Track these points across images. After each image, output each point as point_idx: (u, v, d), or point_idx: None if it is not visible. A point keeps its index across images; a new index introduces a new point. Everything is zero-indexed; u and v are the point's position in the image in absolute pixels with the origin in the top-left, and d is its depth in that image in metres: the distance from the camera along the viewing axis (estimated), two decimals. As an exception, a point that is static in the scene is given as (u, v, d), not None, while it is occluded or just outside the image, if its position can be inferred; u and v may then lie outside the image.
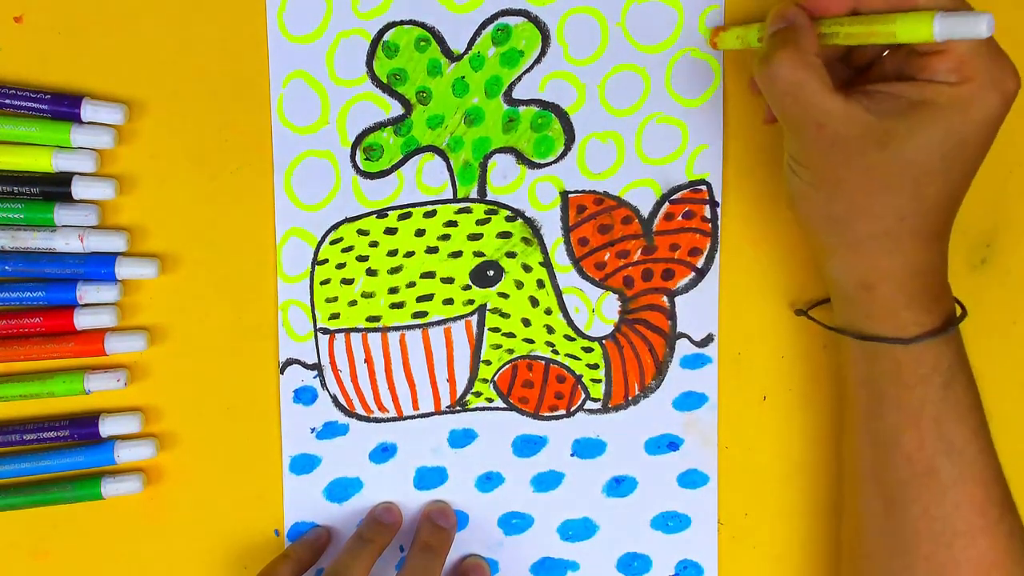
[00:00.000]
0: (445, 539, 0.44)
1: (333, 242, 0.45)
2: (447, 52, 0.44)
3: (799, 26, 0.37)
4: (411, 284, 0.45)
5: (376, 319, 0.45)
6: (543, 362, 0.45)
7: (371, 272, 0.45)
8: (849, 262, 0.39)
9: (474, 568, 0.45)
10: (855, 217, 0.38)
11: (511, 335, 0.45)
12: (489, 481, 0.46)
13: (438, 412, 0.46)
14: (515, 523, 0.46)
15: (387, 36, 0.44)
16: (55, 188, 0.43)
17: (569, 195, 0.45)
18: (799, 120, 0.37)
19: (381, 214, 0.45)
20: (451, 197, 0.45)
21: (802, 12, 0.38)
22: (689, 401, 0.45)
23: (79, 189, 0.43)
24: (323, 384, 0.45)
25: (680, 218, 0.45)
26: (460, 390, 0.45)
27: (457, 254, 0.45)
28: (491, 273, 0.45)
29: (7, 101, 0.43)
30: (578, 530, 0.46)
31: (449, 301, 0.45)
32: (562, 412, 0.46)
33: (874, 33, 0.37)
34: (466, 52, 0.44)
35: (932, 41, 0.35)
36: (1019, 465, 0.46)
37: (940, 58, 0.36)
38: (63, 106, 0.43)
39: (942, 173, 0.37)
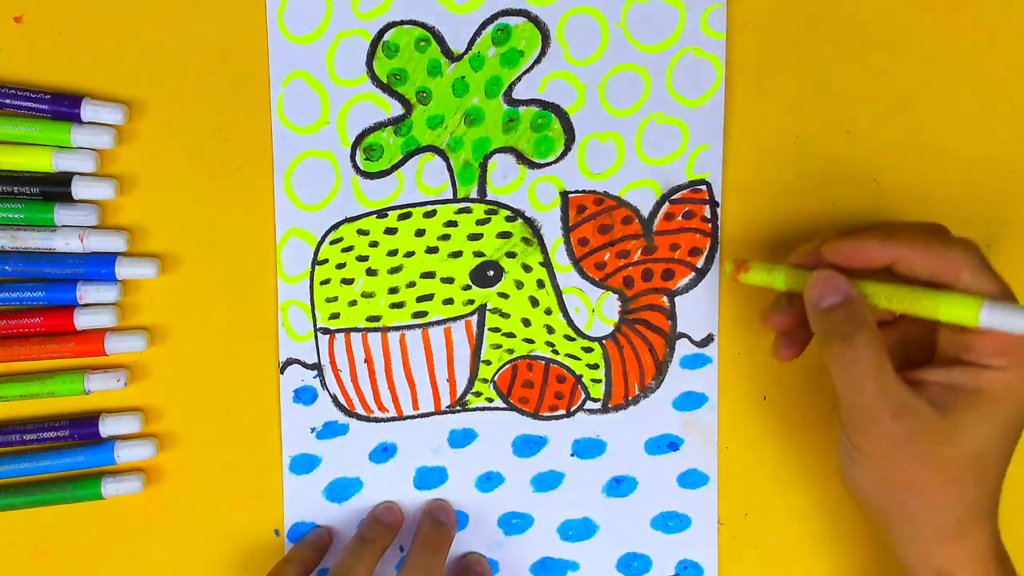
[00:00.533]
0: (446, 536, 0.44)
1: (333, 242, 0.45)
2: (447, 52, 0.44)
3: (857, 300, 0.37)
4: (411, 284, 0.45)
5: (376, 319, 0.45)
6: (543, 362, 0.45)
7: (371, 272, 0.45)
8: (924, 553, 0.38)
9: (475, 564, 0.45)
10: (928, 510, 0.37)
11: (511, 335, 0.45)
12: (489, 481, 0.46)
13: (438, 412, 0.46)
14: (515, 523, 0.46)
15: (387, 36, 0.44)
16: (55, 188, 0.43)
17: (569, 195, 0.45)
18: (874, 409, 0.36)
19: (381, 214, 0.45)
20: (451, 197, 0.45)
21: (849, 281, 0.37)
22: (689, 401, 0.45)
23: (79, 189, 0.43)
24: (323, 384, 0.45)
25: (680, 218, 0.45)
26: (460, 390, 0.45)
27: (457, 254, 0.45)
28: (491, 273, 0.45)
29: (7, 101, 0.43)
30: (578, 530, 0.46)
31: (449, 301, 0.45)
32: (562, 412, 0.46)
33: (917, 307, 0.36)
34: (466, 52, 0.44)
35: (975, 327, 0.35)
36: (1020, 465, 0.46)
37: (985, 340, 0.36)
38: (63, 106, 0.43)
39: (1002, 458, 0.37)
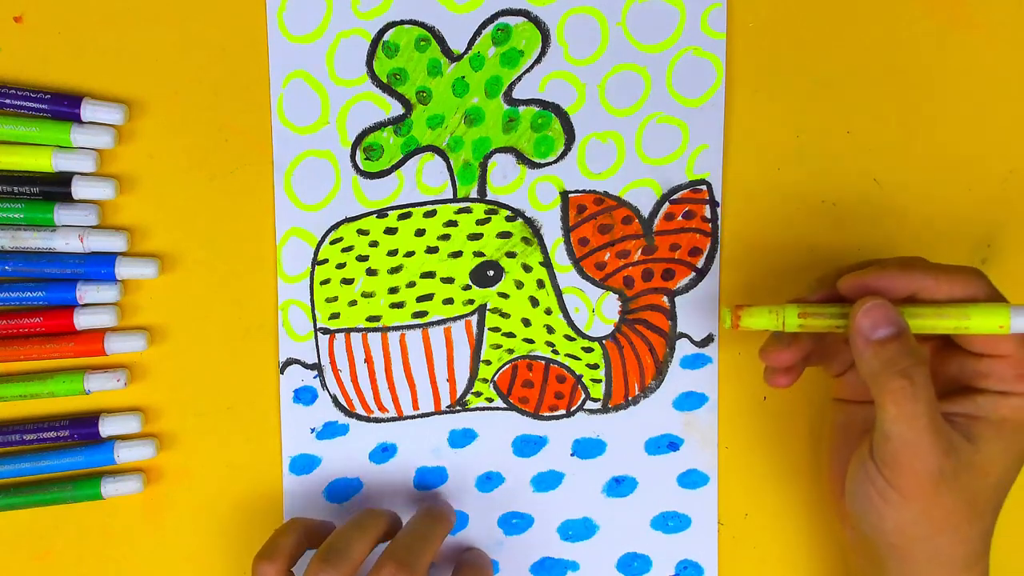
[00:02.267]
0: (447, 518, 0.43)
1: (333, 242, 0.45)
2: (447, 52, 0.44)
3: (909, 332, 0.36)
4: (411, 284, 0.45)
5: (376, 319, 0.45)
6: (543, 362, 0.45)
7: (371, 272, 0.45)
8: None
9: (479, 556, 0.45)
10: (954, 546, 0.36)
11: (511, 335, 0.45)
12: (489, 481, 0.46)
13: (438, 412, 0.46)
14: (515, 523, 0.46)
15: (387, 36, 0.44)
16: (55, 188, 0.43)
17: (569, 195, 0.45)
18: (925, 447, 0.35)
19: (381, 214, 0.45)
20: (451, 197, 0.45)
21: (899, 311, 0.36)
22: (689, 401, 0.45)
23: (79, 189, 0.43)
24: (323, 384, 0.45)
25: (680, 218, 0.45)
26: (460, 390, 0.45)
27: (457, 254, 0.45)
28: (491, 273, 0.45)
29: (7, 101, 0.43)
30: (578, 530, 0.46)
31: (449, 301, 0.45)
32: (562, 412, 0.46)
33: (945, 326, 0.36)
34: (466, 52, 0.44)
35: (1006, 333, 0.35)
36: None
37: (1004, 365, 0.36)
38: (63, 106, 0.43)
39: (1012, 482, 0.37)
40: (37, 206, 0.43)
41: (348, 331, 0.45)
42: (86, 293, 0.44)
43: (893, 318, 0.36)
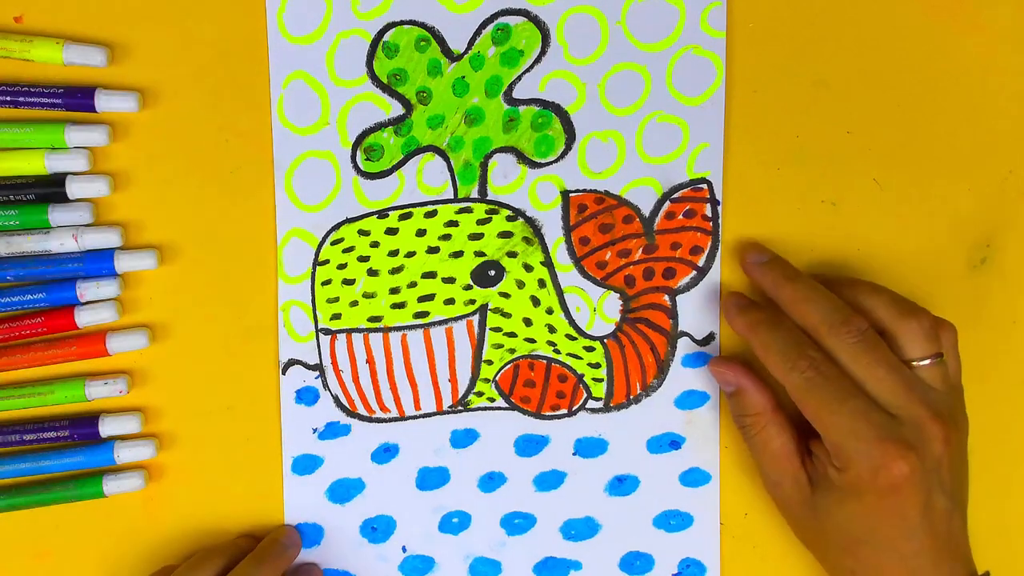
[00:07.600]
0: (280, 552, 0.44)
1: (334, 243, 0.45)
2: (447, 52, 0.44)
3: (745, 388, 0.43)
4: (412, 284, 0.45)
5: (378, 319, 0.45)
6: (545, 361, 0.45)
7: (372, 272, 0.45)
8: None
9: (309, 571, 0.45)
10: (829, 569, 0.42)
11: (512, 335, 0.45)
12: (491, 481, 0.46)
13: (440, 412, 0.46)
14: (517, 523, 0.46)
15: (387, 36, 0.44)
16: (49, 189, 0.43)
17: (570, 194, 0.45)
18: (780, 476, 0.42)
19: (382, 214, 0.45)
20: (452, 197, 0.45)
21: (742, 370, 0.43)
22: (691, 400, 0.45)
23: (73, 188, 0.43)
24: (325, 384, 0.45)
25: (681, 217, 0.45)
26: (462, 390, 0.45)
27: (458, 254, 0.45)
28: (492, 273, 0.45)
29: (21, 99, 0.42)
30: (580, 529, 0.46)
31: (450, 301, 0.45)
32: (564, 411, 0.46)
33: None
34: (466, 52, 0.44)
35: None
36: (1019, 465, 0.46)
37: (830, 448, 0.40)
38: (76, 98, 0.43)
39: (873, 538, 0.39)
40: (31, 209, 0.43)
41: (349, 331, 0.45)
42: (87, 290, 0.44)
43: (729, 379, 0.43)
